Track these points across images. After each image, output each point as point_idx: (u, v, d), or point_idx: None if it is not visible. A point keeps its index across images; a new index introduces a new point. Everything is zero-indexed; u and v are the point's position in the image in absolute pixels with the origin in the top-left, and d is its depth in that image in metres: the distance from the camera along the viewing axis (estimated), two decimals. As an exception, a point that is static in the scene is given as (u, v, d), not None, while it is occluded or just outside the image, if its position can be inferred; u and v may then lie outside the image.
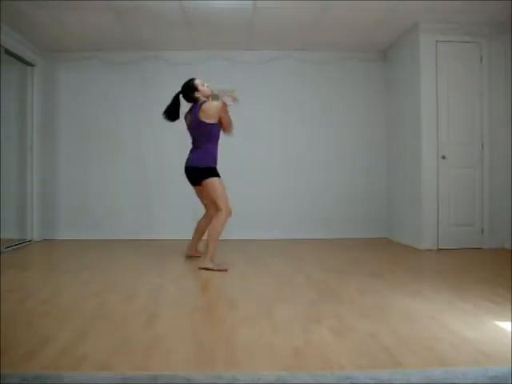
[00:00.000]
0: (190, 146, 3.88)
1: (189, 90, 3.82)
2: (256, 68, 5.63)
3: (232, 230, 5.39)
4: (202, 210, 4.10)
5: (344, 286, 3.03)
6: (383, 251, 4.64)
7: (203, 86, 3.83)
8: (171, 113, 3.84)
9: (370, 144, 5.72)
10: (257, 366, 1.71)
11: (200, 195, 3.95)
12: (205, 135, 3.72)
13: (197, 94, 3.79)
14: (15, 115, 5.21)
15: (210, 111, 3.65)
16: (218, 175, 3.72)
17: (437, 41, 4.71)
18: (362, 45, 5.40)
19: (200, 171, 3.70)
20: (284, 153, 5.62)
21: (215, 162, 3.78)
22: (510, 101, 4.63)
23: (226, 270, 3.56)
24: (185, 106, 3.91)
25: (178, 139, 5.58)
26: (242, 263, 3.95)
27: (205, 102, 3.74)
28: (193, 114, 3.76)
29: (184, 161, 3.82)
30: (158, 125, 5.56)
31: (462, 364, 1.71)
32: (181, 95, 3.87)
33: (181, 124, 3.94)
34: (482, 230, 4.76)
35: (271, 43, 5.35)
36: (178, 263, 3.94)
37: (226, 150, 5.56)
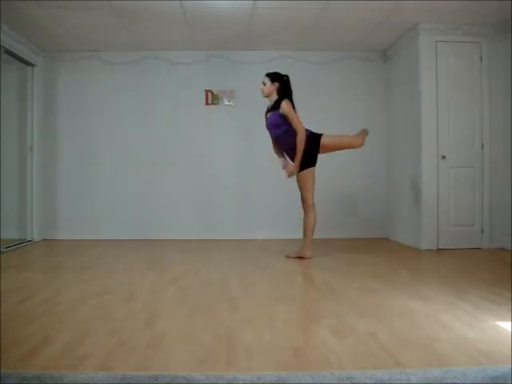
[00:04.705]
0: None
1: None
2: (256, 68, 5.62)
3: (232, 230, 5.43)
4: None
5: (344, 286, 3.02)
6: (383, 251, 4.63)
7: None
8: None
9: (369, 144, 5.70)
10: (257, 366, 1.71)
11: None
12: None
13: None
14: (15, 115, 5.21)
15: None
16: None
17: (437, 41, 4.71)
18: (362, 45, 5.40)
19: None
20: (284, 153, 5.61)
21: None
22: (510, 101, 4.63)
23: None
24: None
25: (179, 139, 5.61)
26: (242, 263, 3.95)
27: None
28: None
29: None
30: (158, 125, 5.62)
31: (462, 364, 1.71)
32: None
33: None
34: (482, 230, 4.76)
35: (271, 43, 5.35)
36: (177, 263, 3.94)
37: (227, 150, 5.61)
